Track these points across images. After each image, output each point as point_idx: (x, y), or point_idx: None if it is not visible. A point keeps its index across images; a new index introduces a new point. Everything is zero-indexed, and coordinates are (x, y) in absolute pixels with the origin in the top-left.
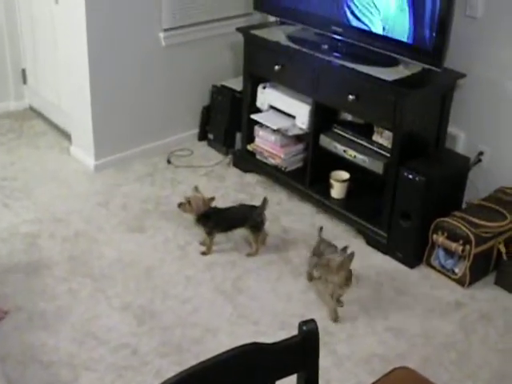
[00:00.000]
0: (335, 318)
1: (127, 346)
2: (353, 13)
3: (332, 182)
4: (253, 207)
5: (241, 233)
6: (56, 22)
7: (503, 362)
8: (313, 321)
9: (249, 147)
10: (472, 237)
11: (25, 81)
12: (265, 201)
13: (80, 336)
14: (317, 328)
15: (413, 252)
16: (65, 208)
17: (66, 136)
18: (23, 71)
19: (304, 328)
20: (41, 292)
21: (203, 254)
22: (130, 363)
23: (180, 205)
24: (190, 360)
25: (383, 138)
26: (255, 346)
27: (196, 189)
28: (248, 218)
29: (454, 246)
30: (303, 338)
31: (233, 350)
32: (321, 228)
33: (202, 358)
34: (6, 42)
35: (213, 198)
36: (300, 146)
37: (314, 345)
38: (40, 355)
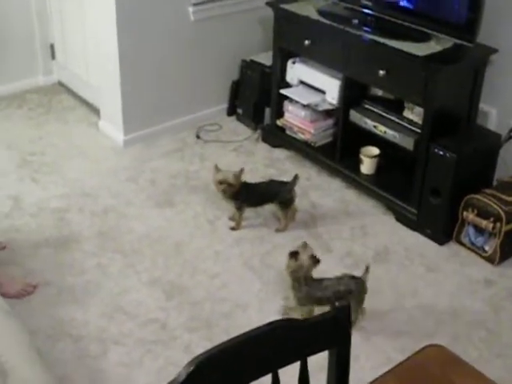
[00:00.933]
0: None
1: (156, 321)
2: None
3: (362, 157)
4: (283, 183)
5: (270, 208)
6: None
7: None
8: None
9: (278, 122)
10: (503, 214)
11: (53, 56)
12: (295, 177)
13: (109, 310)
14: (349, 304)
15: (442, 229)
16: (93, 183)
17: (95, 111)
18: (52, 46)
19: (336, 304)
20: (70, 267)
21: (232, 229)
22: (158, 338)
23: (224, 191)
24: (220, 335)
25: (414, 114)
26: (287, 323)
27: (216, 168)
28: (278, 194)
29: (484, 223)
30: (335, 315)
31: (265, 326)
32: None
33: (232, 333)
34: (35, 18)
35: (242, 170)
36: (330, 121)
37: (346, 321)
38: (69, 329)
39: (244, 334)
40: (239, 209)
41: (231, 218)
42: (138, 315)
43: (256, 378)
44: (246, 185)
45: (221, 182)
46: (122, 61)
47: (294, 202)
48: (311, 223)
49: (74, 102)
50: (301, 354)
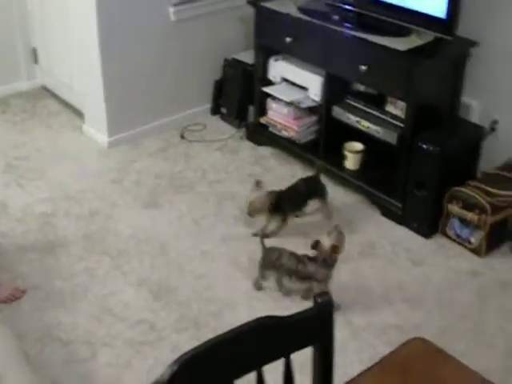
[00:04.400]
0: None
1: (144, 322)
2: None
3: (346, 153)
4: (312, 178)
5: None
6: None
7: None
8: (327, 293)
9: (262, 120)
10: (487, 206)
11: (36, 60)
12: (321, 167)
13: (97, 313)
14: (331, 300)
15: (428, 222)
16: (79, 186)
17: (79, 114)
18: (34, 50)
19: (318, 300)
20: (57, 271)
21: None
22: (147, 339)
23: (249, 213)
24: (208, 334)
25: (396, 109)
26: (269, 319)
27: (258, 183)
28: (315, 190)
29: (469, 215)
30: (318, 311)
31: (247, 323)
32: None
33: (220, 333)
34: (16, 21)
35: (273, 192)
36: (313, 118)
37: (329, 317)
38: (58, 333)
39: (227, 332)
40: (284, 220)
41: (264, 232)
42: (126, 317)
43: (240, 375)
44: (283, 193)
45: (251, 204)
46: (105, 63)
47: (327, 192)
48: (297, 220)
49: (58, 106)
50: (284, 351)
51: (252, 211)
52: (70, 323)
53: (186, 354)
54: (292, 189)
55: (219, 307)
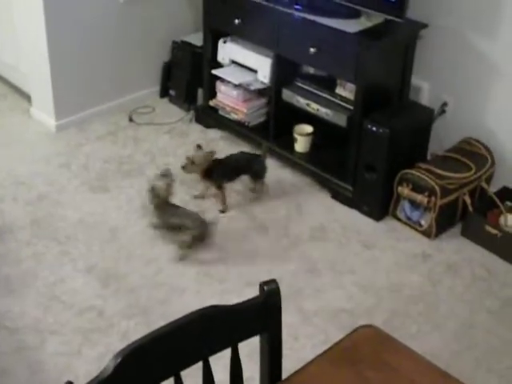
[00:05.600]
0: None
1: (93, 309)
2: None
3: (295, 135)
4: (254, 155)
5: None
6: None
7: (470, 313)
8: (274, 281)
9: (211, 103)
10: (437, 188)
11: None
12: (266, 149)
13: (45, 300)
14: (278, 288)
15: (378, 205)
16: (27, 171)
17: (27, 98)
18: None
19: (265, 288)
20: (4, 257)
21: (222, 212)
22: (96, 326)
23: (184, 167)
24: (157, 321)
25: (346, 91)
26: (214, 309)
27: (199, 147)
28: (252, 165)
29: (419, 197)
30: (265, 299)
31: (192, 313)
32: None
33: (169, 319)
34: None
35: (212, 152)
36: (262, 101)
37: (276, 305)
38: (5, 321)
39: (172, 322)
40: (220, 187)
41: (197, 196)
42: (74, 304)
43: (186, 366)
44: (218, 162)
45: (189, 160)
46: (51, 46)
47: (265, 173)
48: (246, 203)
49: (5, 89)
50: (231, 340)
51: (187, 166)
52: (18, 311)
53: (129, 345)
54: (228, 159)
55: (167, 293)
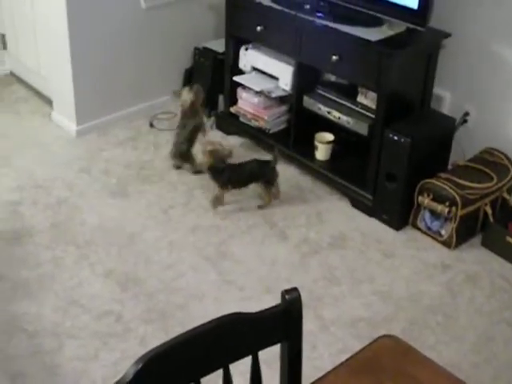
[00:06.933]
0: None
1: (111, 313)
2: None
3: (316, 143)
4: (266, 162)
5: (228, 198)
6: None
7: (489, 325)
8: (295, 289)
9: (232, 109)
10: (458, 198)
11: (5, 46)
12: (276, 155)
13: (63, 304)
14: (299, 296)
15: (398, 214)
16: (47, 175)
17: (48, 102)
18: (3, 37)
19: (286, 297)
20: (23, 260)
21: (213, 207)
22: (114, 330)
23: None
24: (175, 326)
25: (367, 99)
26: (236, 316)
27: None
28: (264, 173)
29: (439, 207)
30: (286, 307)
31: (214, 320)
32: None
33: (187, 324)
34: None
35: (230, 154)
36: (283, 108)
37: (297, 314)
38: (24, 324)
39: (193, 329)
40: (222, 187)
41: (212, 201)
42: (92, 308)
43: (207, 373)
44: (230, 166)
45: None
46: (74, 51)
47: (276, 180)
48: (266, 210)
49: (27, 92)
50: (252, 348)
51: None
52: (36, 314)
53: (150, 351)
54: (240, 166)
55: (186, 298)
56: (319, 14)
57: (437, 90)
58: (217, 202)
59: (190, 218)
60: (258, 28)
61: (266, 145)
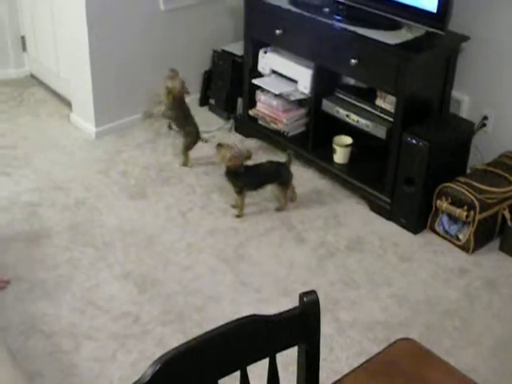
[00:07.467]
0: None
1: (129, 315)
2: None
3: (335, 146)
4: (280, 163)
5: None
6: None
7: (507, 330)
8: (314, 292)
9: (250, 112)
10: (476, 202)
11: (24, 48)
12: (290, 156)
13: (81, 305)
14: (317, 299)
15: (416, 218)
16: (65, 176)
17: (67, 103)
18: (22, 38)
19: (305, 299)
20: (41, 261)
21: (237, 216)
22: (131, 332)
23: (219, 146)
24: (193, 328)
25: (386, 103)
26: (254, 318)
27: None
28: (279, 174)
29: (458, 211)
30: (303, 310)
31: (232, 322)
32: None
33: (205, 326)
34: (5, 9)
35: (249, 155)
36: (302, 111)
37: (315, 316)
38: (41, 325)
39: (211, 330)
40: (240, 192)
41: (234, 206)
42: (110, 309)
43: (224, 375)
44: (246, 168)
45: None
46: (93, 52)
47: (291, 181)
48: (284, 213)
49: (46, 94)
50: (269, 350)
51: (222, 150)
52: (54, 315)
53: (168, 353)
54: (256, 167)
55: (204, 300)
56: (338, 17)
57: (455, 93)
58: (241, 210)
59: (208, 220)
60: (277, 31)
61: (284, 148)
